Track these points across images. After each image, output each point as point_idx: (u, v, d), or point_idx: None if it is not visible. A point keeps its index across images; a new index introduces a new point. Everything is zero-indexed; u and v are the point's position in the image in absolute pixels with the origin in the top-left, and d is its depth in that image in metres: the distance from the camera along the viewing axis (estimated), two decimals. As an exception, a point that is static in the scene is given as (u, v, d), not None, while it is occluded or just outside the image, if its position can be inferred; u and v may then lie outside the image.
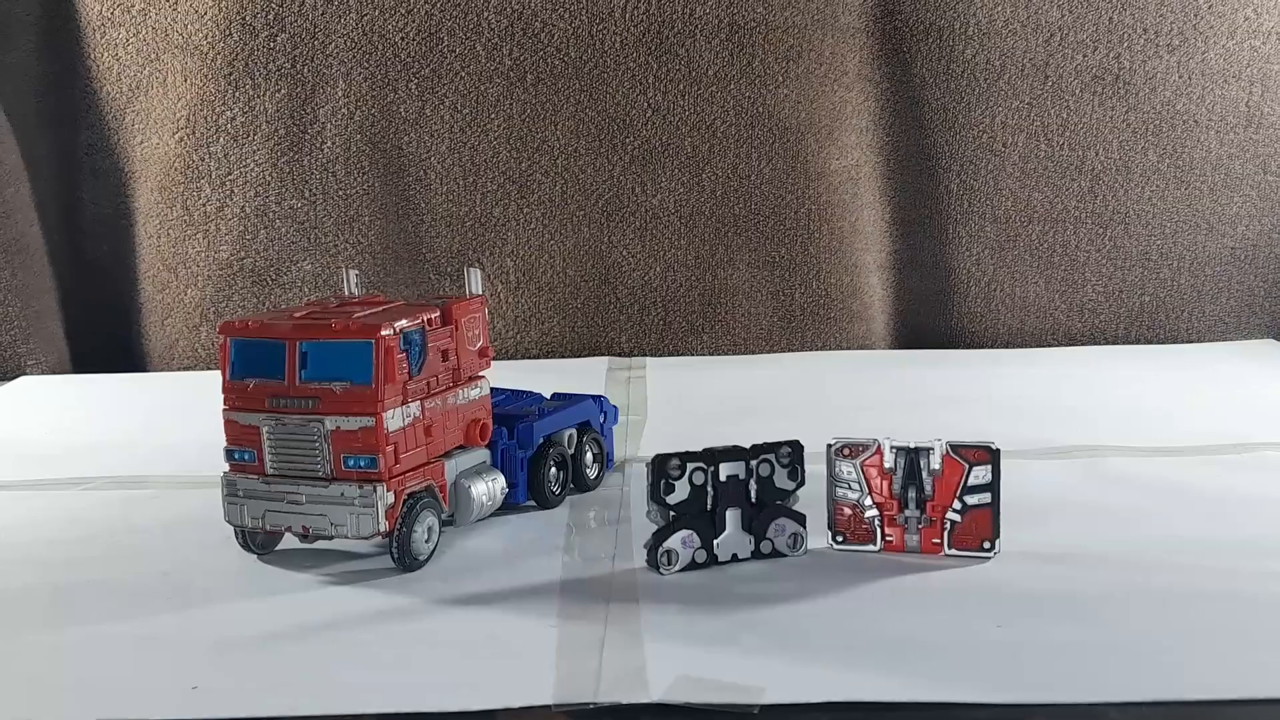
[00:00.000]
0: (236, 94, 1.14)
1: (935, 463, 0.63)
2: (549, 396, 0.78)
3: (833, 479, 0.64)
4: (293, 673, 0.53)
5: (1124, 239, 1.18)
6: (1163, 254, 1.18)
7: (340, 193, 1.15)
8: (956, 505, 0.63)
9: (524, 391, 0.78)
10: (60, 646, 0.56)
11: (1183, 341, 1.18)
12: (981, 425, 0.86)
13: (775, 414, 0.95)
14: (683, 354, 1.17)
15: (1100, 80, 1.16)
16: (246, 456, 0.63)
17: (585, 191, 1.16)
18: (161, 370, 1.17)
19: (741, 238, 1.17)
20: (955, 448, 0.63)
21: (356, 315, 0.63)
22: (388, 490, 0.61)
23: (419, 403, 0.63)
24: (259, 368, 0.62)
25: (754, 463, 0.63)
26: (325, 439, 0.61)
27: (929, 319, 1.20)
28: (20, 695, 0.52)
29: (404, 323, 0.63)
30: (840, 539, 0.65)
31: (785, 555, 0.64)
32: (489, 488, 0.67)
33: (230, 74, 1.13)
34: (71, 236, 1.18)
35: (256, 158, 1.14)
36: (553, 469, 0.72)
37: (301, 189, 1.15)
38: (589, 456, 0.76)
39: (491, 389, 0.70)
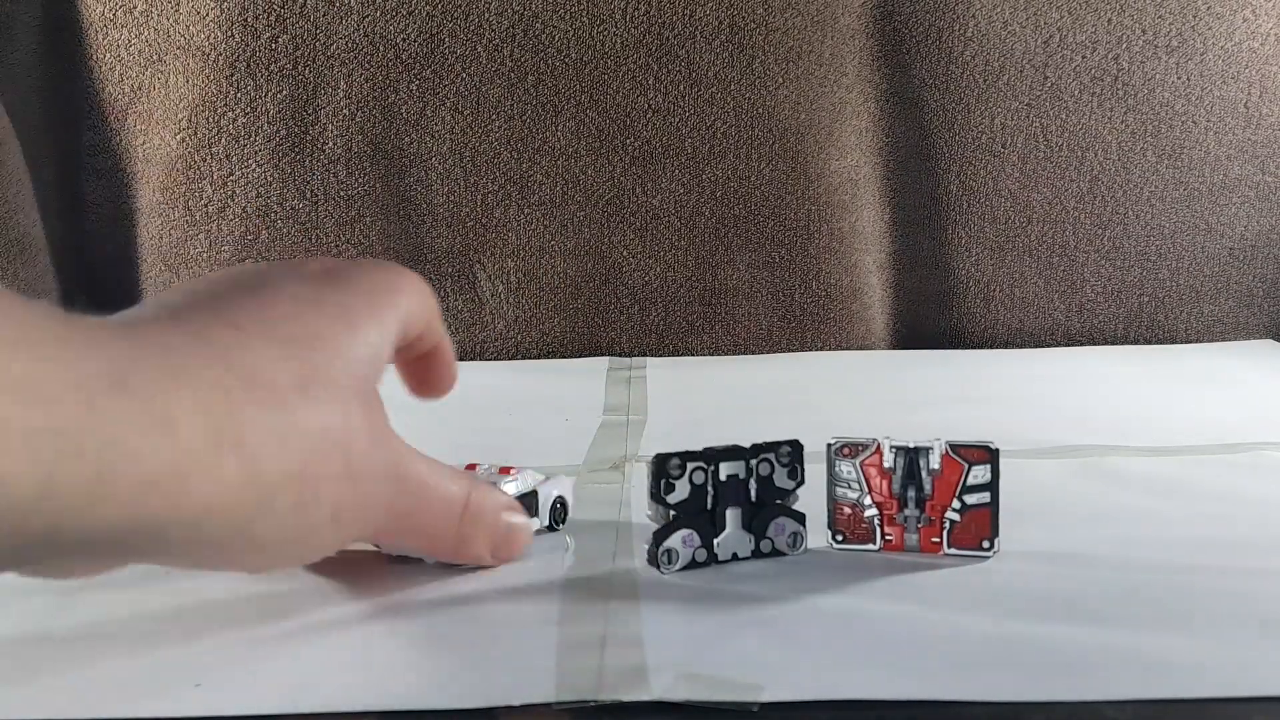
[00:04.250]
0: (238, 95, 1.14)
1: (934, 462, 0.63)
2: None
3: (832, 478, 0.65)
4: (294, 671, 0.53)
5: (1123, 239, 1.18)
6: (1161, 254, 1.18)
7: (342, 193, 1.15)
8: (956, 504, 0.63)
9: None
10: (62, 645, 0.56)
11: (1181, 341, 1.19)
12: (981, 425, 0.87)
13: (775, 414, 0.95)
14: (683, 354, 1.18)
15: (1099, 81, 1.16)
16: None
17: (586, 192, 1.16)
18: (163, 370, 1.17)
19: (741, 238, 1.17)
20: (954, 447, 0.63)
21: None
22: None
23: None
24: None
25: (754, 462, 0.63)
26: None
27: (928, 319, 1.20)
28: (22, 694, 0.52)
29: None
30: (840, 538, 0.65)
31: (785, 554, 0.64)
32: None
33: (232, 75, 1.14)
34: (74, 237, 1.19)
35: (258, 158, 1.15)
36: None
37: (303, 189, 1.15)
38: None
39: None
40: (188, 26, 1.14)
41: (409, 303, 0.56)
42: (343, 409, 0.50)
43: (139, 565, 0.64)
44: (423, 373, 0.63)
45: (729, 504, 0.63)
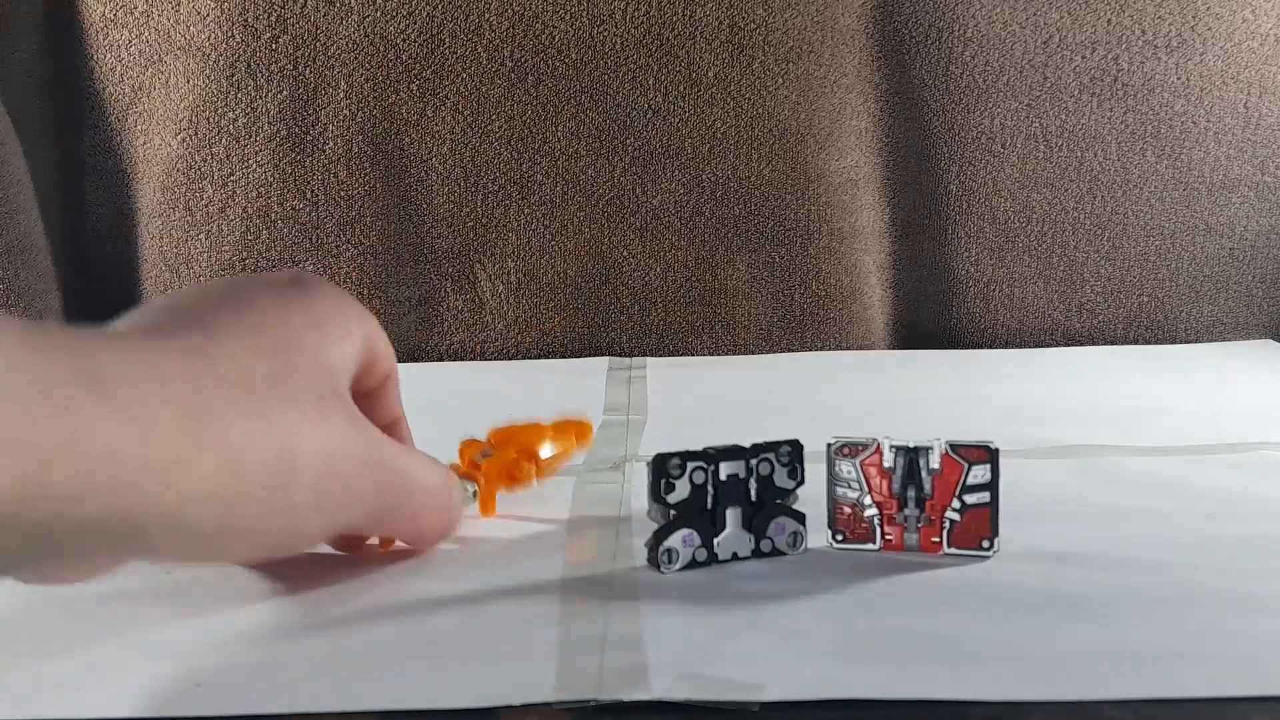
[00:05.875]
0: (239, 95, 1.14)
1: (934, 462, 0.63)
2: None
3: (832, 478, 0.65)
4: (293, 671, 0.53)
5: (1122, 240, 1.18)
6: (1161, 255, 1.18)
7: (342, 193, 1.16)
8: (955, 504, 0.63)
9: None
10: (62, 645, 0.56)
11: (1181, 342, 1.19)
12: (980, 425, 0.87)
13: (775, 414, 0.95)
14: (683, 354, 1.18)
15: (1099, 82, 1.16)
16: None
17: (586, 192, 1.16)
18: (163, 370, 1.17)
19: (741, 238, 1.17)
20: (954, 447, 0.63)
21: None
22: None
23: None
24: None
25: (754, 462, 0.63)
26: None
27: (928, 320, 1.20)
28: (23, 694, 0.52)
29: None
30: (840, 538, 0.65)
31: (785, 554, 0.64)
32: None
33: (232, 75, 1.14)
34: (74, 237, 1.19)
35: (259, 158, 1.15)
36: None
37: (303, 190, 1.15)
38: None
39: None
40: (188, 26, 1.14)
41: (370, 324, 0.59)
42: (316, 402, 0.53)
43: (139, 566, 0.65)
44: (369, 412, 0.63)
45: (729, 504, 0.63)
